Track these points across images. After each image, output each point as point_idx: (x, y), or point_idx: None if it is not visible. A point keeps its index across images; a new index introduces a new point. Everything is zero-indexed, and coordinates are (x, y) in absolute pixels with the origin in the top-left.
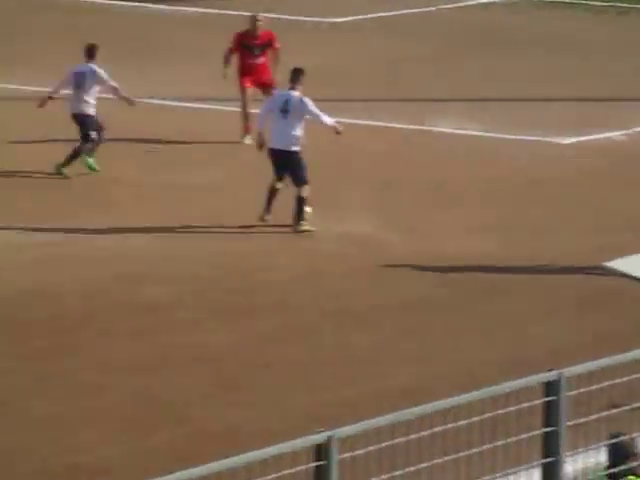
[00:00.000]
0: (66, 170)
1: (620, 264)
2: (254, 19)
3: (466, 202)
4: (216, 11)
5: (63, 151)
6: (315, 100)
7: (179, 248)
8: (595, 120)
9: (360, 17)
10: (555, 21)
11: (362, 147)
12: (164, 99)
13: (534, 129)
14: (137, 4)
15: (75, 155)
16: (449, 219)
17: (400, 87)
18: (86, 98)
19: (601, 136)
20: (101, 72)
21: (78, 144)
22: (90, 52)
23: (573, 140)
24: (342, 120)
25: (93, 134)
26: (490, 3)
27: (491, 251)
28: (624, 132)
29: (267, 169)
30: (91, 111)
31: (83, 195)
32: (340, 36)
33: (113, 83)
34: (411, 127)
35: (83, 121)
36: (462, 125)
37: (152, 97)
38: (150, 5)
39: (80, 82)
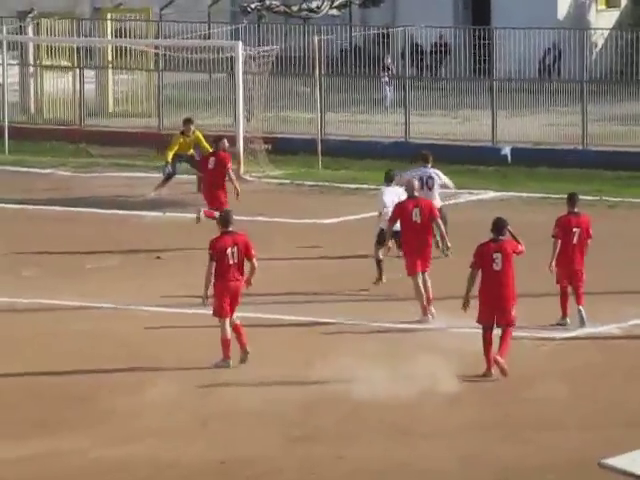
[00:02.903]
0: None
1: (620, 461)
2: None
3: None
4: None
5: None
6: None
7: None
8: (588, 314)
9: None
10: (542, 215)
11: None
12: None
13: (524, 324)
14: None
15: None
16: None
17: None
18: None
19: (595, 330)
20: None
21: None
22: None
23: (566, 335)
24: None
25: None
26: (480, 200)
27: None
28: (618, 325)
29: None
30: None
31: None
32: None
33: None
34: None
35: None
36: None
37: None
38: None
39: None
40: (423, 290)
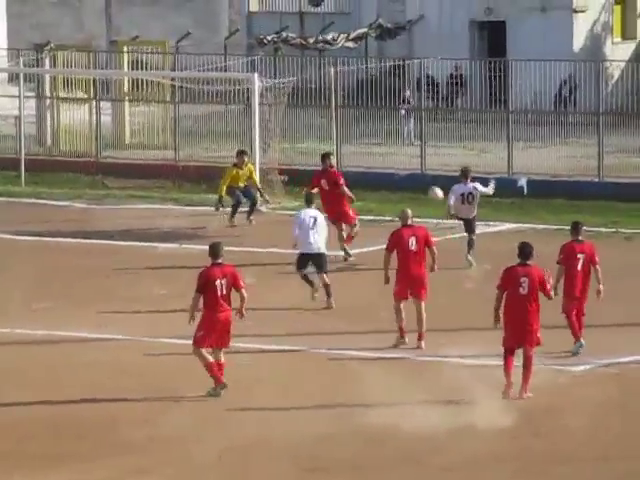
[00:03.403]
0: None
1: None
2: None
3: None
4: None
5: None
6: None
7: None
8: (605, 346)
9: None
10: (557, 247)
11: None
12: None
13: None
14: None
15: None
16: None
17: None
18: None
19: (612, 361)
20: None
21: None
22: None
23: (583, 368)
24: None
25: None
26: (496, 232)
27: None
28: (635, 357)
29: None
30: None
31: None
32: None
33: None
34: None
35: None
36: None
37: None
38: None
39: None
40: (403, 316)
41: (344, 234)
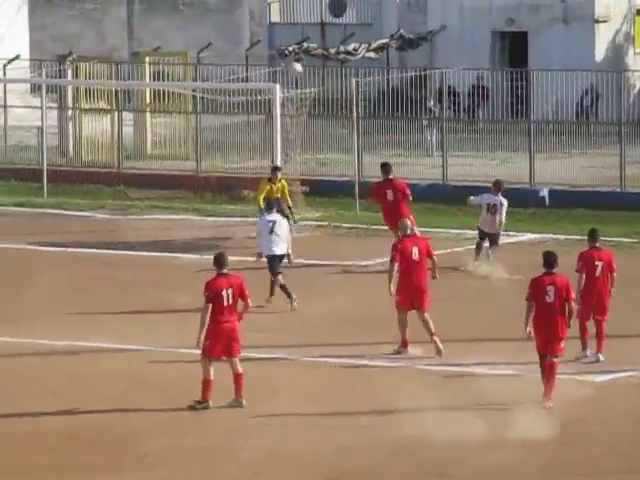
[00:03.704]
0: None
1: None
2: None
3: None
4: None
5: None
6: None
7: None
8: (628, 356)
9: None
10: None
11: None
12: None
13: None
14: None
15: None
16: None
17: None
18: None
19: (635, 371)
20: None
21: None
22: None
23: (605, 378)
24: None
25: None
26: (518, 242)
27: None
28: None
29: None
30: None
31: None
32: None
33: None
34: None
35: None
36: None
37: None
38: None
39: None
40: (407, 326)
41: None
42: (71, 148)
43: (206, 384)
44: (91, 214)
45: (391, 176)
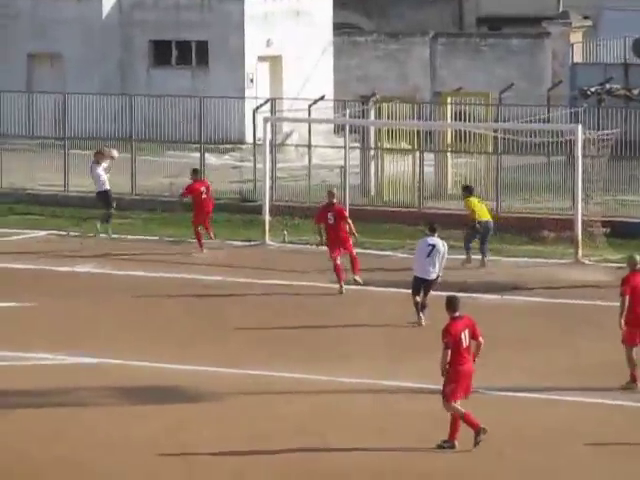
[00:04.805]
0: None
1: None
2: None
3: None
4: None
5: None
6: None
7: None
8: None
9: None
10: None
11: None
12: None
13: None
14: None
15: None
16: None
17: None
18: None
19: None
20: None
21: None
22: None
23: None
24: None
25: None
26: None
27: None
28: None
29: None
30: None
31: None
32: None
33: None
34: None
35: None
36: None
37: None
38: None
39: None
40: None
41: None
42: (373, 187)
43: (467, 417)
44: (391, 253)
45: None
